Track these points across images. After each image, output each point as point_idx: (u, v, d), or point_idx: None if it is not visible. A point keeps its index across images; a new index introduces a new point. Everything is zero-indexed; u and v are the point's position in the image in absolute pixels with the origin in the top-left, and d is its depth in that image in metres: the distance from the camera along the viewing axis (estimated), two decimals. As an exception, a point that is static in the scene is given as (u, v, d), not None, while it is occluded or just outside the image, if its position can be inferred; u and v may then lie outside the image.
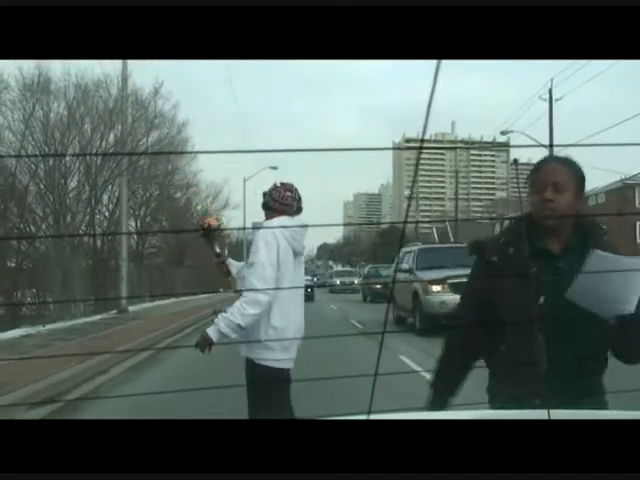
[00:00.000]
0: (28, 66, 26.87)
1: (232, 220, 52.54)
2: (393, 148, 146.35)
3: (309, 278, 42.48)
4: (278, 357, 4.43)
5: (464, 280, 13.49)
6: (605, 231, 2.71)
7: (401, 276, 19.36)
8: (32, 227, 24.06)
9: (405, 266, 19.27)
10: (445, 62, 1.23)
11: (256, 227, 5.22)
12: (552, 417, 1.56)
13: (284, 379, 4.44)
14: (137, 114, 30.47)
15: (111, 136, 28.24)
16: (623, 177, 51.75)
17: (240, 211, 50.34)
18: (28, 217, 24.12)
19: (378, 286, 32.21)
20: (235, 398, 5.12)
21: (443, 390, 2.92)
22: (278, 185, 4.73)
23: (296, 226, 4.43)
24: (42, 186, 26.14)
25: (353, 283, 47.63)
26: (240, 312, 4.30)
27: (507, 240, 2.69)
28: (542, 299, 2.51)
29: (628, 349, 2.59)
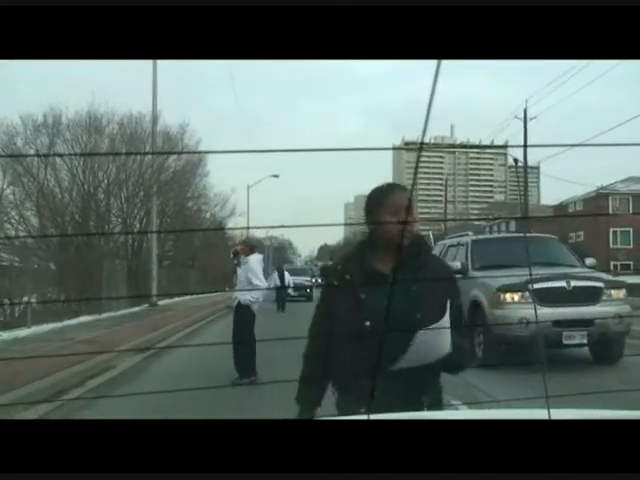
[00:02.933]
0: (81, 109, 32.09)
1: (238, 225, 58.41)
2: (393, 148, 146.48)
3: (307, 279, 39.03)
4: (255, 307, 10.55)
5: (554, 285, 10.95)
6: (430, 248, 3.15)
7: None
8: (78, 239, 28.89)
9: (455, 264, 12.70)
10: (444, 66, 1.21)
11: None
12: (552, 417, 1.53)
13: (253, 312, 10.49)
14: (166, 146, 36.38)
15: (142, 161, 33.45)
16: (599, 186, 56.37)
17: (244, 218, 53.47)
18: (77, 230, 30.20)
19: None
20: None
21: (310, 403, 2.98)
22: (253, 236, 18.38)
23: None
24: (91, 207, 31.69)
25: None
26: (254, 297, 10.46)
27: (345, 266, 2.93)
28: (368, 323, 2.67)
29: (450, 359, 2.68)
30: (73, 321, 19.39)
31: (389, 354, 2.49)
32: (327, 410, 2.55)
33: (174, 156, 36.50)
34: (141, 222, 34.97)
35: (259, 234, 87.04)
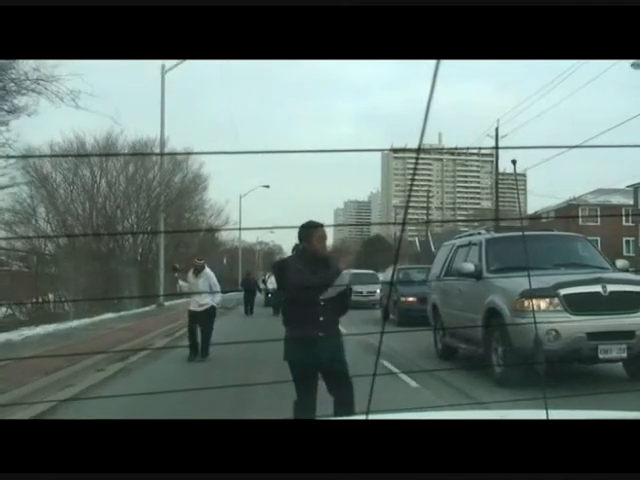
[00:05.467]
0: (100, 136, 36.31)
1: (231, 234, 67.16)
2: (382, 150, 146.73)
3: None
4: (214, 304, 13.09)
5: (587, 290, 9.15)
6: (336, 258, 5.92)
7: (459, 284, 11.39)
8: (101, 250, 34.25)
9: (468, 266, 10.77)
10: (430, 74, 1.19)
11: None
12: (551, 417, 1.51)
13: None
14: (173, 167, 42.40)
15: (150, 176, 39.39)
16: (570, 197, 60.07)
17: (237, 226, 57.96)
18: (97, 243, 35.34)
19: (411, 299, 19.63)
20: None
21: None
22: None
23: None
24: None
25: (374, 294, 30.53)
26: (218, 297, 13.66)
27: (294, 260, 5.61)
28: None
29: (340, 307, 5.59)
30: (102, 317, 23.13)
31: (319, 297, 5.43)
32: (327, 410, 2.53)
33: (180, 175, 43.35)
34: (149, 234, 39.21)
35: (250, 240, 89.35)
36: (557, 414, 1.60)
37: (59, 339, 15.13)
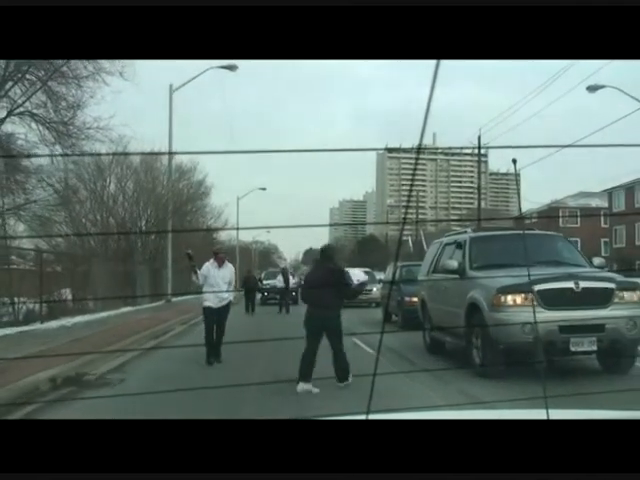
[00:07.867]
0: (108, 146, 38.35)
1: (229, 234, 69.73)
2: (385, 149, 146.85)
3: (295, 281, 32.07)
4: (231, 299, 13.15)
5: (561, 286, 9.69)
6: (337, 264, 10.06)
7: (445, 280, 11.86)
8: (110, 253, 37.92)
9: (452, 264, 11.26)
10: (427, 74, 1.18)
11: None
12: (551, 417, 1.50)
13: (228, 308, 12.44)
14: (179, 177, 46.05)
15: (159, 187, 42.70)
16: (552, 200, 63.96)
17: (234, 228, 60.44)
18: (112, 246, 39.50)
19: (416, 299, 16.01)
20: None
21: None
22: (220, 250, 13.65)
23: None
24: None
25: (371, 292, 28.76)
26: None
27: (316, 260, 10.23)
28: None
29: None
30: (122, 310, 26.34)
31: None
32: (327, 410, 2.52)
33: (186, 184, 47.16)
34: (156, 237, 43.22)
35: (246, 239, 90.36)
36: (557, 414, 1.58)
37: (98, 325, 18.52)
